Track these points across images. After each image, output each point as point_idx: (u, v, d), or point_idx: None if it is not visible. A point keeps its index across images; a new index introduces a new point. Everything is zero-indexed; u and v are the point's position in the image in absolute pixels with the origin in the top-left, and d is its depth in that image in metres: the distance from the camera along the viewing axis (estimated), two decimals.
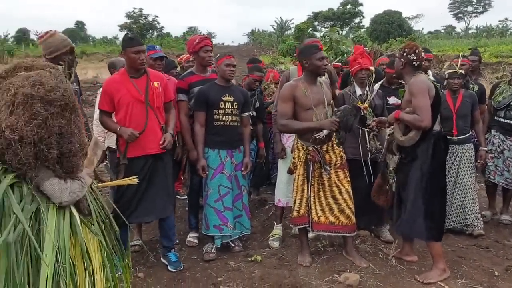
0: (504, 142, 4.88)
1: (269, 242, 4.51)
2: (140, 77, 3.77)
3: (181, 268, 3.94)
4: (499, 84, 5.03)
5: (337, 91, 4.79)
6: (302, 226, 3.98)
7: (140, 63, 3.69)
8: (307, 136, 3.86)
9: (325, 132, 3.73)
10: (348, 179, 3.97)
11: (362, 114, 4.30)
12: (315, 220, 3.89)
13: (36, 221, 2.02)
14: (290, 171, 4.08)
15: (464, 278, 3.69)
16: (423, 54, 3.74)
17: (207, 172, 4.14)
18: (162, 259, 4.09)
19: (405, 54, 3.69)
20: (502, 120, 4.89)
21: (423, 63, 3.75)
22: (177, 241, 4.29)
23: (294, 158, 4.02)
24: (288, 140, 4.49)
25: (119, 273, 2.88)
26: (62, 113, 2.12)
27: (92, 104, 13.37)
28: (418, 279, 3.66)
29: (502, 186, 5.02)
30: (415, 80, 3.65)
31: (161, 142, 3.74)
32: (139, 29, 49.52)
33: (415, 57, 3.66)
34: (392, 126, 3.88)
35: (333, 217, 3.89)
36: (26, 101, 2.02)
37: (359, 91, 4.43)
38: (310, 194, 3.90)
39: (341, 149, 3.97)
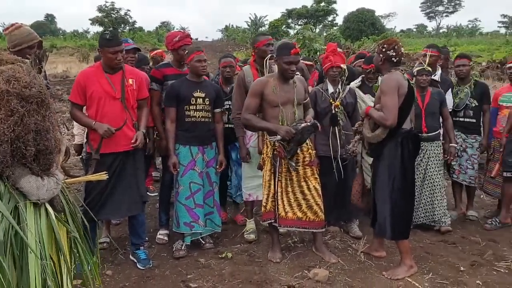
0: (465, 140, 5.03)
1: (245, 236, 4.53)
2: (115, 73, 3.73)
3: (150, 266, 3.90)
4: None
5: (310, 88, 4.81)
6: (269, 221, 3.99)
7: (116, 63, 3.66)
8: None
9: (278, 137, 3.75)
10: (316, 176, 3.99)
11: (333, 112, 4.35)
12: (282, 216, 3.90)
13: (15, 219, 1.99)
14: (260, 167, 4.09)
15: (431, 274, 3.76)
16: (402, 49, 3.73)
17: (178, 169, 4.11)
18: (131, 256, 4.04)
19: (384, 50, 3.68)
20: (462, 119, 5.04)
21: (402, 59, 3.74)
22: (147, 238, 4.23)
23: (263, 154, 4.03)
24: (251, 139, 4.48)
25: (89, 269, 2.83)
26: (38, 110, 2.09)
27: (62, 99, 13.12)
28: (385, 275, 3.71)
29: (466, 184, 5.14)
30: (386, 78, 3.65)
31: (132, 141, 3.71)
32: (110, 23, 48.75)
33: (394, 53, 3.65)
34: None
35: (301, 213, 3.90)
36: (2, 98, 1.97)
37: (331, 89, 4.44)
38: (277, 190, 3.91)
39: (309, 146, 3.99)
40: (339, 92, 4.41)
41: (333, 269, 3.81)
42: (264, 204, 3.97)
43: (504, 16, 50.59)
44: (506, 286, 3.58)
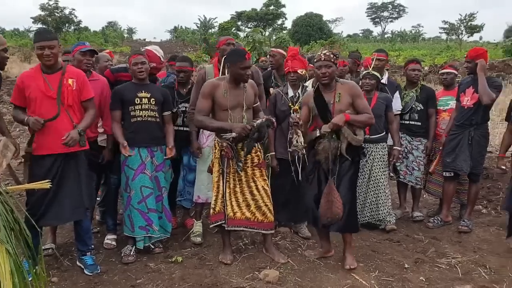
0: (411, 142, 5.22)
1: (191, 238, 4.52)
2: (53, 73, 3.61)
3: (98, 272, 3.80)
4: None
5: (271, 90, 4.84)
6: (219, 223, 3.98)
7: (45, 59, 3.52)
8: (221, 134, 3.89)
9: (233, 134, 3.76)
10: (265, 177, 4.02)
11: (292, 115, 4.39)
12: (231, 216, 3.91)
13: None
14: (210, 170, 4.08)
15: (377, 271, 3.88)
16: None
17: (129, 153, 4.01)
18: (77, 262, 3.92)
19: (338, 59, 3.91)
20: (407, 122, 5.23)
21: None
22: (92, 246, 4.02)
23: (212, 156, 4.04)
24: (208, 139, 4.49)
25: (30, 279, 2.73)
26: None
27: (2, 100, 12.56)
28: (351, 267, 3.85)
29: (411, 185, 5.33)
30: (353, 83, 3.91)
31: (63, 138, 3.47)
32: (54, 22, 47.02)
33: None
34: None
35: (250, 213, 3.92)
36: None
37: (291, 93, 4.48)
38: (225, 190, 3.92)
39: (258, 149, 3.98)
40: (299, 96, 4.45)
41: (283, 269, 3.86)
42: (213, 206, 3.96)
43: (445, 22, 52.75)
44: (447, 281, 3.74)
